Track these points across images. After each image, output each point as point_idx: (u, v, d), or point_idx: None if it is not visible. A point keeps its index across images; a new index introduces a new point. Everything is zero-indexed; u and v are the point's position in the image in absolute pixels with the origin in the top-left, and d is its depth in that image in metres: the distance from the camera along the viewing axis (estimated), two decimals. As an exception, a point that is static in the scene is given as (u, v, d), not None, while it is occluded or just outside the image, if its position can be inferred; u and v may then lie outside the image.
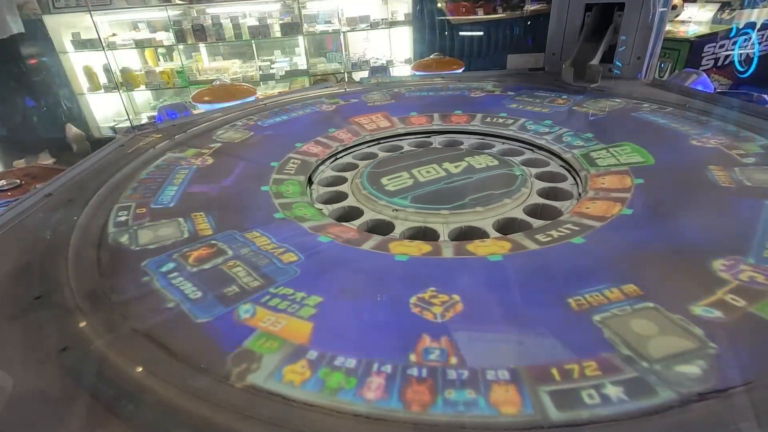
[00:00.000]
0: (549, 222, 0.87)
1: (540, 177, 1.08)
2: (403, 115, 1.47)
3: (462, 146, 1.30)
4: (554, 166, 1.14)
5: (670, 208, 0.85)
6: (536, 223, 0.89)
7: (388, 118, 1.45)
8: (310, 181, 1.14)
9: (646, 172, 0.99)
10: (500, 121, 1.39)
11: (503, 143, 1.30)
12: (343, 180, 1.14)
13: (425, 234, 0.90)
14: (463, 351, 0.55)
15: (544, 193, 1.02)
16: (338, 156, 1.30)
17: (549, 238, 0.79)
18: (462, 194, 0.99)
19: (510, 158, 1.17)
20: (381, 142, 1.37)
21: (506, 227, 0.90)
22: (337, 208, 1.02)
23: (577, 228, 0.82)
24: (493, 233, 0.88)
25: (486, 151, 1.23)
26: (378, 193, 1.02)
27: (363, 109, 1.56)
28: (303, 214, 0.94)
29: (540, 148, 1.23)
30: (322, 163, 1.23)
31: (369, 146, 1.35)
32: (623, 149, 1.10)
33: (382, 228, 0.93)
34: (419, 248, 0.80)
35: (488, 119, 1.40)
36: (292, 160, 1.20)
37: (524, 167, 1.11)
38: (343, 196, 1.07)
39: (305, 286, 0.69)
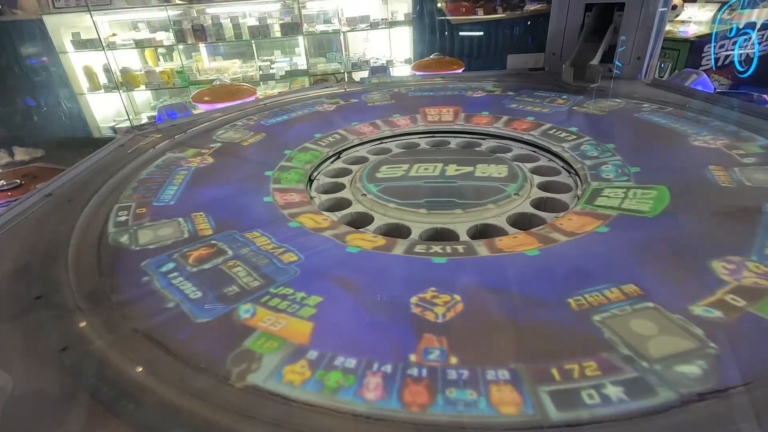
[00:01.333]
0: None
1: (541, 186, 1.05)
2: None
3: (479, 148, 1.29)
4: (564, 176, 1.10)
5: (669, 207, 0.85)
6: (511, 230, 0.88)
7: (457, 114, 1.44)
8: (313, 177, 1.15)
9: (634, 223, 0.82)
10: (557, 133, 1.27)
11: (521, 148, 1.27)
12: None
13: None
14: (462, 351, 0.55)
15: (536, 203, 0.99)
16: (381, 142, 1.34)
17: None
18: (437, 195, 0.99)
19: (523, 168, 1.09)
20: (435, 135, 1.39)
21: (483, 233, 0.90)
22: (328, 199, 1.04)
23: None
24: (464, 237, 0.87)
25: (505, 155, 1.20)
26: (365, 179, 1.05)
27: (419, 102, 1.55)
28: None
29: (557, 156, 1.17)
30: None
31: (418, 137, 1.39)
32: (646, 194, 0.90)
33: (362, 222, 0.95)
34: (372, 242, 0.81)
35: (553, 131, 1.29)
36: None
37: (528, 183, 1.03)
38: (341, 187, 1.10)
39: (305, 286, 0.69)
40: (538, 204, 0.98)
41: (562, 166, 1.14)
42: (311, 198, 1.06)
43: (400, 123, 1.43)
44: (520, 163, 1.13)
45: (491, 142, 1.32)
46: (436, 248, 0.79)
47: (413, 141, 1.37)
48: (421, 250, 0.78)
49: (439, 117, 1.44)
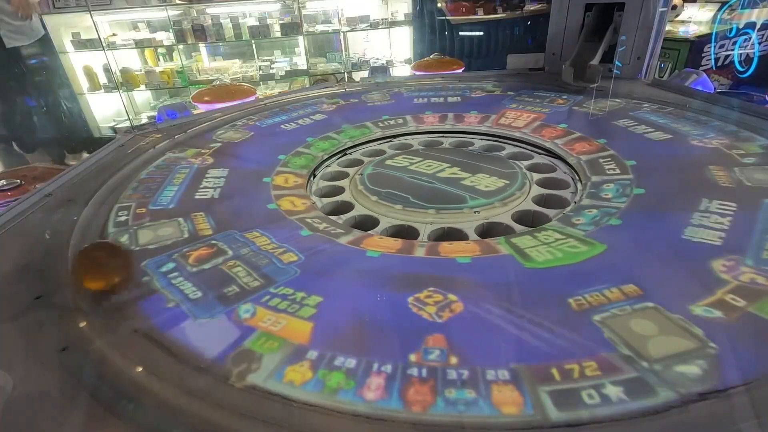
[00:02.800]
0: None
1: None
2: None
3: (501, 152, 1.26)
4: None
5: (669, 208, 0.85)
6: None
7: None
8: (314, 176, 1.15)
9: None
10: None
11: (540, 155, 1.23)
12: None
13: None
14: (463, 351, 0.55)
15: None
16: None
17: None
18: (414, 193, 1.00)
19: (524, 182, 1.03)
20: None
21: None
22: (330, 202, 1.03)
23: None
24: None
25: (520, 163, 1.15)
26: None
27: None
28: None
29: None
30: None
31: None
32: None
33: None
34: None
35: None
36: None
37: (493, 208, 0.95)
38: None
39: (305, 285, 0.69)
40: (486, 230, 0.91)
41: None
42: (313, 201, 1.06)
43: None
44: (528, 179, 1.06)
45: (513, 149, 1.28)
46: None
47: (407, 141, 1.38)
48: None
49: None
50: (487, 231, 0.90)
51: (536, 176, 1.09)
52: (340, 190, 1.09)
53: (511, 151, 1.27)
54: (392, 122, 1.44)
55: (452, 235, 0.89)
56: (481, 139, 1.35)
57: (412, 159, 1.17)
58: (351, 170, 1.18)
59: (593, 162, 1.08)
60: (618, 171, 1.02)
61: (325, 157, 1.25)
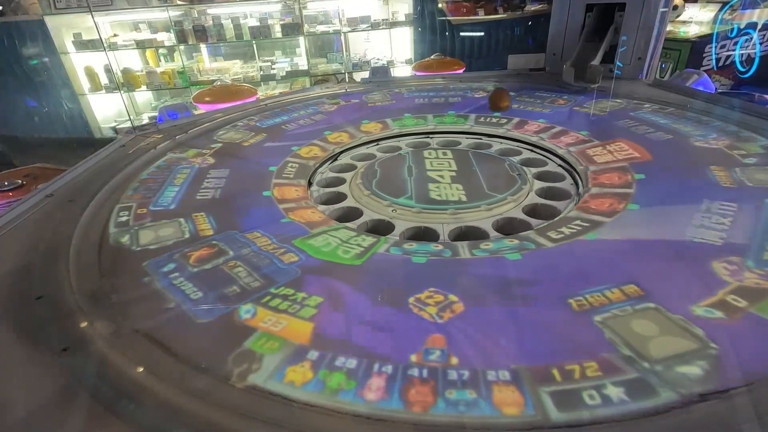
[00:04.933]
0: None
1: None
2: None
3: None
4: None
5: (670, 208, 0.85)
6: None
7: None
8: (310, 183, 1.15)
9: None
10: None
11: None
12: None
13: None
14: (463, 351, 0.55)
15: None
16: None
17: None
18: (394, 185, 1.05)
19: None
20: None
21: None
22: (336, 209, 1.02)
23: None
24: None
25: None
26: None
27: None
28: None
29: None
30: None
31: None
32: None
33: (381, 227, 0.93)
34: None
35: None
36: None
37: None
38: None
39: (306, 286, 0.69)
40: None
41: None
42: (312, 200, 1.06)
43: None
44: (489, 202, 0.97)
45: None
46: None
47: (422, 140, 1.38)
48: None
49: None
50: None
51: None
52: (343, 196, 1.06)
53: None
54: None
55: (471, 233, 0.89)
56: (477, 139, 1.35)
57: (426, 151, 1.21)
58: (347, 175, 1.16)
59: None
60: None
61: (317, 164, 1.22)
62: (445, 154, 1.21)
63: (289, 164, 1.18)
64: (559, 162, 1.16)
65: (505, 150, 1.26)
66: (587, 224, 0.83)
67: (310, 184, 1.14)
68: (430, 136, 1.39)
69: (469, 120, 1.42)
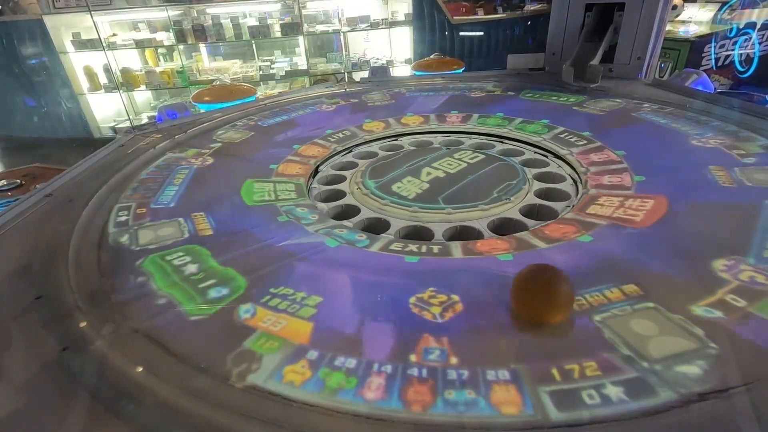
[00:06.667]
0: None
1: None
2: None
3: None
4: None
5: (669, 207, 0.85)
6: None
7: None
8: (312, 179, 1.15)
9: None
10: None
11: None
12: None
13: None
14: (463, 351, 0.55)
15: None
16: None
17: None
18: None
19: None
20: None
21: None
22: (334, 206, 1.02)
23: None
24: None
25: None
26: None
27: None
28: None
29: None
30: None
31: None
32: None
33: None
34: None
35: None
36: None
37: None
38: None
39: (305, 286, 0.69)
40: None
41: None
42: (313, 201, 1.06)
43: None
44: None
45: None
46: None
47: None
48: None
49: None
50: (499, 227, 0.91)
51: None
52: (342, 194, 1.07)
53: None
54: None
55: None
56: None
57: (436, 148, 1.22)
58: (347, 173, 1.17)
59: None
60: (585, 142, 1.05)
61: (319, 162, 1.23)
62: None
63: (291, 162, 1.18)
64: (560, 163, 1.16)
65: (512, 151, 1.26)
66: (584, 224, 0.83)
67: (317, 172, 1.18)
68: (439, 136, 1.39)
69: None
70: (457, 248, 0.79)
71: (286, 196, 1.02)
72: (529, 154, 1.22)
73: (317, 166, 1.21)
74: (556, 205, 0.96)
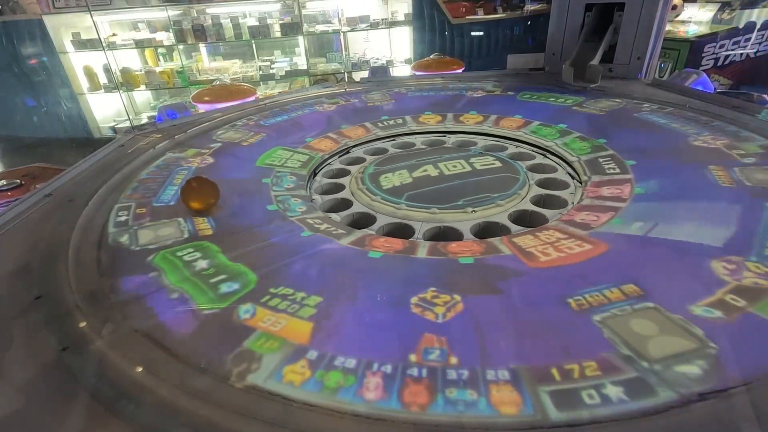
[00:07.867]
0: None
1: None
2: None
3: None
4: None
5: (669, 207, 0.85)
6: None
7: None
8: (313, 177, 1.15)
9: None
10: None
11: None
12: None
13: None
14: (462, 351, 0.55)
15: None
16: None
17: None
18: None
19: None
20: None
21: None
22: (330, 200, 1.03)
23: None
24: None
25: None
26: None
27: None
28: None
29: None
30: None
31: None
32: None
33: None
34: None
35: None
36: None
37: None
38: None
39: (305, 286, 0.69)
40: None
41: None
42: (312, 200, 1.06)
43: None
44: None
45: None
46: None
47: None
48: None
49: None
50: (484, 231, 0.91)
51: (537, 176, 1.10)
52: (341, 187, 1.12)
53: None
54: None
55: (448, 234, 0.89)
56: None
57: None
58: (353, 168, 1.20)
59: (593, 161, 1.08)
60: (618, 171, 1.02)
61: (326, 156, 1.26)
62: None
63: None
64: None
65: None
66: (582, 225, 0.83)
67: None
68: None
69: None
70: (424, 248, 0.79)
71: (293, 164, 1.17)
72: (539, 158, 1.21)
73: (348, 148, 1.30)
74: (550, 213, 0.95)
